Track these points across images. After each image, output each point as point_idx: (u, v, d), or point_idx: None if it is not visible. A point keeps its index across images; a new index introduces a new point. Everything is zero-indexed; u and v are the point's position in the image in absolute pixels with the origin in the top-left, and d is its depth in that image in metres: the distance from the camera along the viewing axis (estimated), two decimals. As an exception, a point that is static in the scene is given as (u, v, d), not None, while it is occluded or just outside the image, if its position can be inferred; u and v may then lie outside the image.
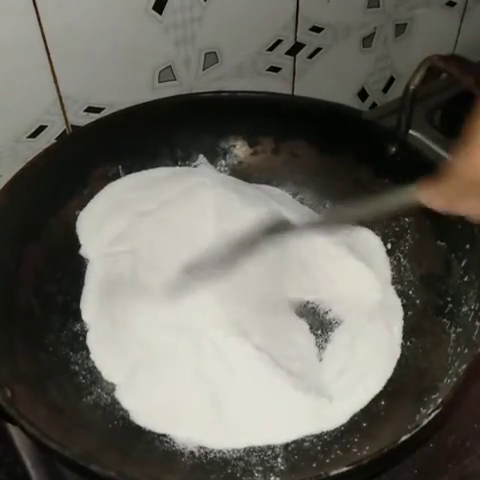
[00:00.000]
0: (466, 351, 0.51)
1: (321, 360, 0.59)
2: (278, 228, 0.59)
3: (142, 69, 0.71)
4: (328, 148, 0.69)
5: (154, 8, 0.67)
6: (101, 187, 0.67)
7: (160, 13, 0.67)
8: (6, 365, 0.52)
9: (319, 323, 0.62)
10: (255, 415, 0.54)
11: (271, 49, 0.78)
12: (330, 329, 0.62)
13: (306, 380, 0.56)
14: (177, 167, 0.71)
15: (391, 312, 0.61)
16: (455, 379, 0.49)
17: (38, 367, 0.55)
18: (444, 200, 0.46)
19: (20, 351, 0.54)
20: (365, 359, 0.57)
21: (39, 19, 0.61)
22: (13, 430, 0.55)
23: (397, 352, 0.58)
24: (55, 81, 0.66)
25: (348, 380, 0.56)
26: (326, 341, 0.61)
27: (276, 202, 0.67)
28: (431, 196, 0.47)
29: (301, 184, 0.71)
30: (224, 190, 0.67)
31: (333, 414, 0.54)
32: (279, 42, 0.78)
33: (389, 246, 0.65)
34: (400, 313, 0.61)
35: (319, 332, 0.61)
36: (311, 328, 0.61)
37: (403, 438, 0.46)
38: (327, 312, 0.63)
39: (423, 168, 0.62)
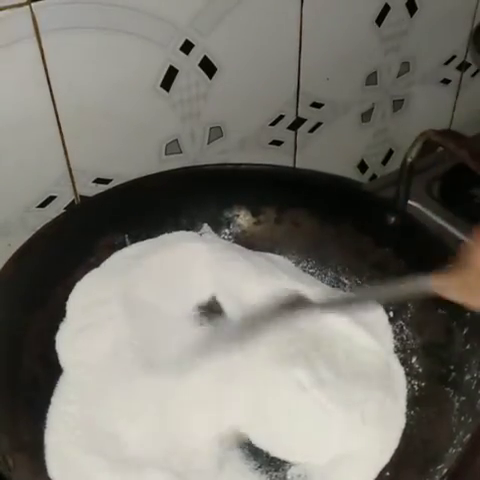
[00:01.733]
0: (470, 420, 0.51)
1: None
2: (295, 305, 0.58)
3: (149, 142, 0.73)
4: (329, 218, 0.70)
5: (162, 85, 0.69)
6: (107, 256, 0.67)
7: (167, 90, 0.70)
8: (9, 434, 0.51)
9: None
10: None
11: (273, 124, 0.81)
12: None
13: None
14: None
15: (394, 381, 0.60)
16: (460, 449, 0.49)
17: (41, 437, 0.54)
18: (457, 291, 0.48)
19: (23, 420, 0.54)
20: (371, 429, 0.57)
21: (53, 97, 0.63)
22: (13, 501, 0.54)
23: (402, 422, 0.57)
24: (66, 154, 0.68)
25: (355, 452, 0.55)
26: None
27: (279, 270, 0.68)
28: (445, 287, 0.48)
29: (303, 253, 0.71)
30: (227, 257, 0.68)
31: None
32: (281, 117, 0.81)
33: (391, 314, 0.65)
34: (403, 382, 0.60)
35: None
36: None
37: (409, 511, 0.45)
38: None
39: (422, 237, 0.64)
